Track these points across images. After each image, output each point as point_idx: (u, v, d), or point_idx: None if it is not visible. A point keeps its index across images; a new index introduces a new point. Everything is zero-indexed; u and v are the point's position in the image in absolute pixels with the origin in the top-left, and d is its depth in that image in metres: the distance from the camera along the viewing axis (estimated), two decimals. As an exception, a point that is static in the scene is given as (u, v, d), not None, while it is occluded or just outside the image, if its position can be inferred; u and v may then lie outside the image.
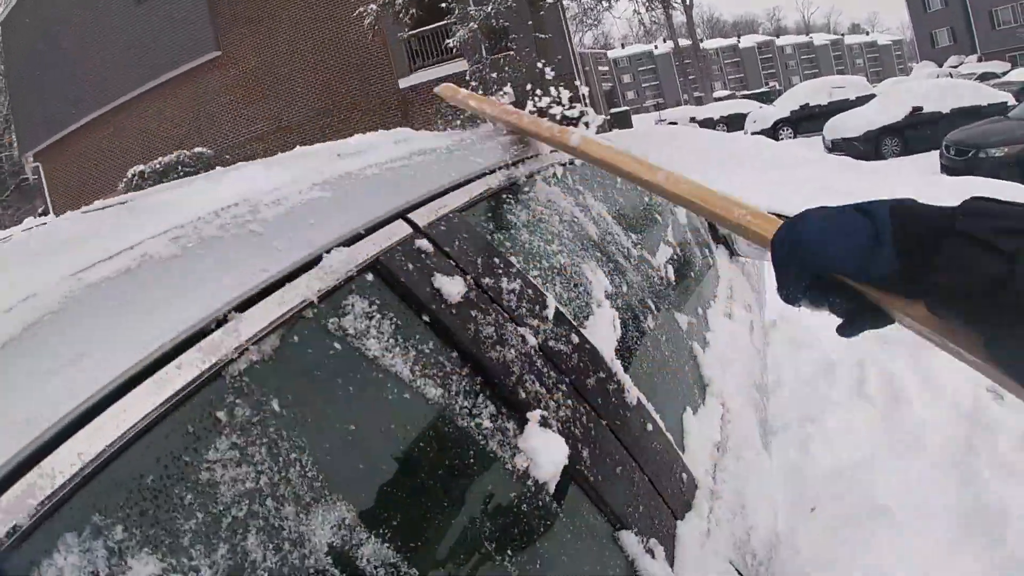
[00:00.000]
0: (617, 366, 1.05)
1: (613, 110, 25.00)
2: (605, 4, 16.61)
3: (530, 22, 16.31)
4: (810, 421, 3.50)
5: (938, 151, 11.73)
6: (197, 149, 19.58)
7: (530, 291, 0.98)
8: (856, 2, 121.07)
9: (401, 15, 16.00)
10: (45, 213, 22.06)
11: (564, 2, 18.55)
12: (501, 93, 1.45)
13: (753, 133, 20.33)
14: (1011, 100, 15.08)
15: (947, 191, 6.66)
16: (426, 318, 0.81)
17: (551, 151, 1.37)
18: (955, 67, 40.90)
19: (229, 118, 21.22)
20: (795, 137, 20.73)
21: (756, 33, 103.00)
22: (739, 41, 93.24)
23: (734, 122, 26.55)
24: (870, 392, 3.66)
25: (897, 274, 0.66)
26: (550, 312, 0.98)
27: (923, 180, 7.60)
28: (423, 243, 0.86)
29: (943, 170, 10.91)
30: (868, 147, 14.79)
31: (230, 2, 20.63)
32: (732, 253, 2.23)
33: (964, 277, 0.60)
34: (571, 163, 1.46)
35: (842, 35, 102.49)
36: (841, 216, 0.72)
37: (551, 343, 0.95)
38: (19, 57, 22.67)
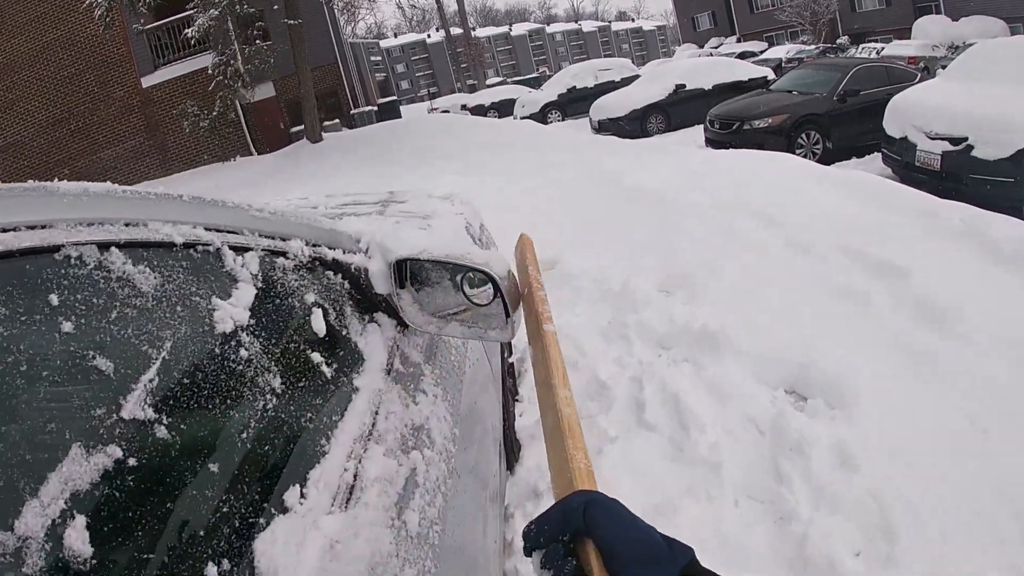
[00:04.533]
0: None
1: (381, 100, 23.96)
2: (361, -16, 15.45)
3: (276, 7, 14.91)
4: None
5: (700, 126, 12.03)
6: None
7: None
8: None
9: (138, 5, 13.99)
10: None
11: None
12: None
13: (522, 118, 20.12)
14: (771, 75, 15.90)
15: (715, 163, 6.42)
16: None
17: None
18: (716, 48, 44.11)
19: (-50, 140, 18.13)
20: (563, 120, 20.84)
21: (528, 22, 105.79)
22: (511, 29, 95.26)
23: (505, 108, 26.35)
24: (652, 418, 2.99)
25: None
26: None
27: (691, 154, 7.37)
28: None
29: (708, 143, 11.15)
30: (634, 125, 15.02)
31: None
32: (402, 324, 1.43)
33: None
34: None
35: (609, 22, 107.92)
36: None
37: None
38: None
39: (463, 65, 49.18)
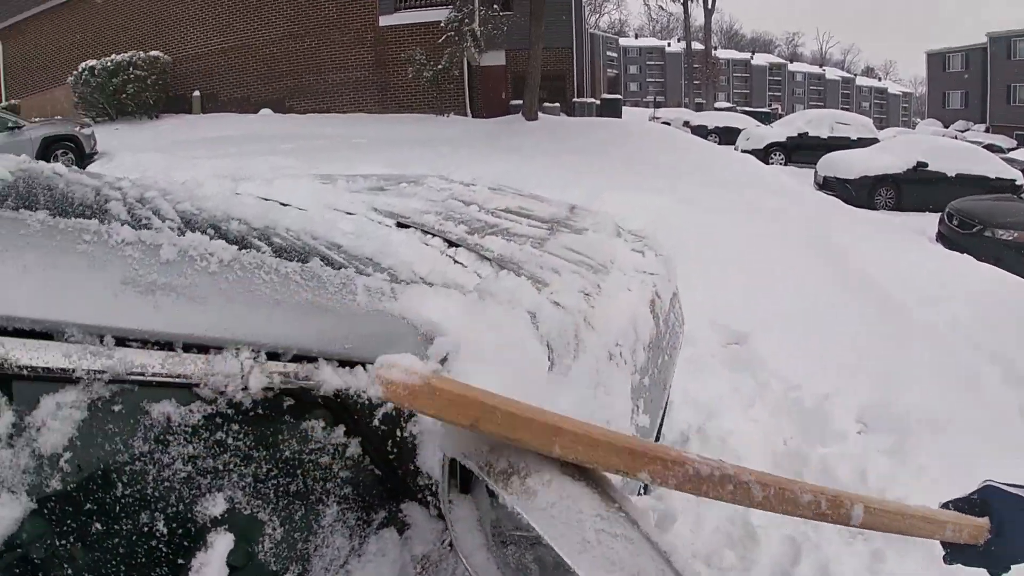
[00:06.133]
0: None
1: (605, 95, 23.57)
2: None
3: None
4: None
5: (932, 213, 11.03)
6: (153, 53, 18.84)
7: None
8: (876, 47, 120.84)
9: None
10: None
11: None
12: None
13: (743, 151, 18.88)
14: (1020, 178, 13.92)
15: (965, 273, 5.35)
16: None
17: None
18: (962, 131, 40.18)
19: (194, 26, 20.05)
20: (786, 164, 19.26)
21: (771, 54, 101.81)
22: (752, 58, 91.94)
23: (727, 135, 24.98)
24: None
25: None
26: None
27: (932, 250, 6.31)
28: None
29: (939, 238, 9.82)
30: (861, 193, 13.53)
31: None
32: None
33: None
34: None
35: (855, 75, 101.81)
36: None
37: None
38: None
39: (696, 82, 47.99)
